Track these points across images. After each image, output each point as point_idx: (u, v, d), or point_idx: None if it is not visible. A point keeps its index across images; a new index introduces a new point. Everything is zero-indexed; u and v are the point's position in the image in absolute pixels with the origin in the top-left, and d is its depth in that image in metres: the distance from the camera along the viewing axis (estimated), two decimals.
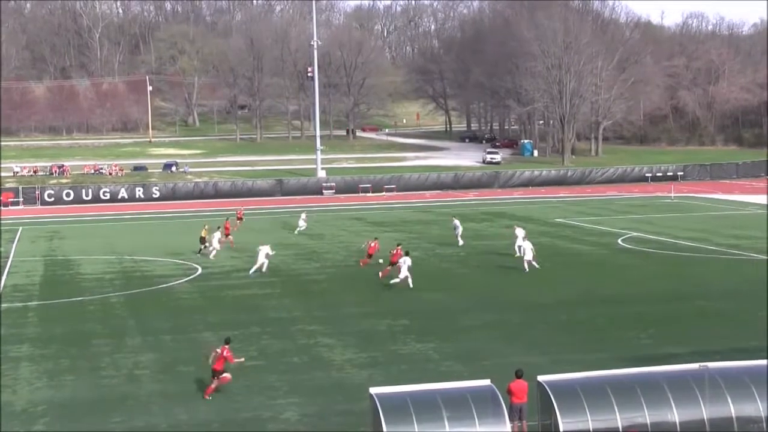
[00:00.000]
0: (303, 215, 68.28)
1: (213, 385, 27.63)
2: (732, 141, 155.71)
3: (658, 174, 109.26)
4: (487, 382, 21.97)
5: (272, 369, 30.80)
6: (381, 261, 49.43)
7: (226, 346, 27.60)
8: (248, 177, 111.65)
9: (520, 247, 50.64)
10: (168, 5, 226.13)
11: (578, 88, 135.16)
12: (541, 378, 21.99)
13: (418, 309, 40.05)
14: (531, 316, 38.36)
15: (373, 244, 51.02)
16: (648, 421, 21.01)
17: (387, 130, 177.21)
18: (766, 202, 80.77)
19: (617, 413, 20.98)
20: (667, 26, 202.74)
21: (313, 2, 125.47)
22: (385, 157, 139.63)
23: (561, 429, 20.87)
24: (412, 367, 30.60)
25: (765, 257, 50.92)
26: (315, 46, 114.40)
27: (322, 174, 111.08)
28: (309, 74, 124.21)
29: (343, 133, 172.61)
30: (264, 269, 48.78)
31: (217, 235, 56.64)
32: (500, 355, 31.63)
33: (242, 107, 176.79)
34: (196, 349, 32.93)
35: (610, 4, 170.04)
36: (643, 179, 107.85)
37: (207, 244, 56.37)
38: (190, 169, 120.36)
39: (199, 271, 51.11)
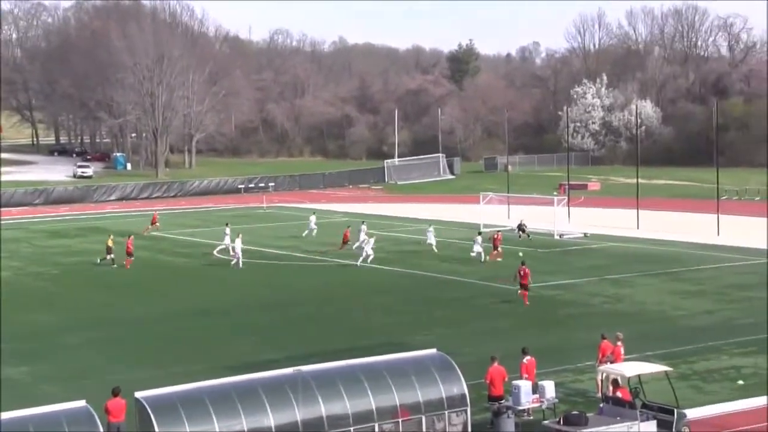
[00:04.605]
0: (313, 218, 69.00)
1: (526, 292, 40.21)
2: (318, 152, 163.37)
3: (251, 185, 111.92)
4: (82, 402, 21.64)
5: None
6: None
7: (524, 266, 40.40)
8: None
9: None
10: None
11: (170, 101, 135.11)
12: (138, 394, 22.02)
13: (11, 331, 38.33)
14: (132, 332, 38.11)
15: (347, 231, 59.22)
16: (246, 428, 21.75)
17: None
18: (350, 210, 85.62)
19: (215, 422, 21.50)
20: (255, 41, 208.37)
21: None
22: None
23: None
24: (3, 394, 29.29)
25: (351, 263, 54.06)
26: None
27: None
28: None
29: None
30: None
31: None
32: (100, 374, 31.15)
33: None
34: None
35: (198, 18, 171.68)
36: (236, 190, 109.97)
37: (113, 255, 53.82)
38: None
39: None
